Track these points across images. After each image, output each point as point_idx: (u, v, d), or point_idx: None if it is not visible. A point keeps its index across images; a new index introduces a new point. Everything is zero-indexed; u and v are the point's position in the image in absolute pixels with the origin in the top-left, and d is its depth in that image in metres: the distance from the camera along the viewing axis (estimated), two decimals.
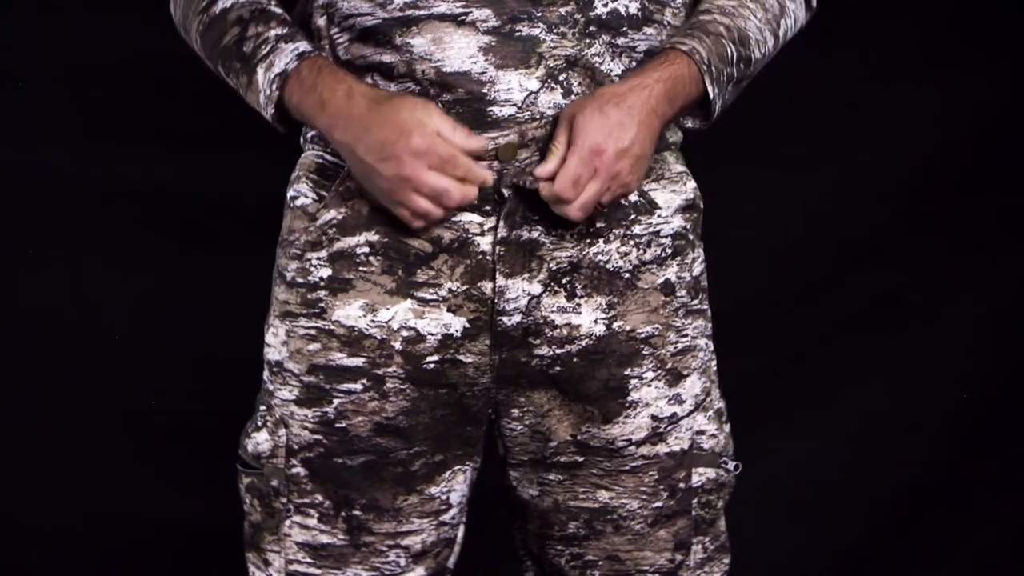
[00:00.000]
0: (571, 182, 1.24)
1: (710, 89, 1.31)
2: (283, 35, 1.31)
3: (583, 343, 1.33)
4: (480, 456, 1.42)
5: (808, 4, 1.45)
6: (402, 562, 1.39)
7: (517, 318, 1.32)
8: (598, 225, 1.32)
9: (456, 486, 1.40)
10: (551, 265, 1.32)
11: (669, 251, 1.36)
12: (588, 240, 1.32)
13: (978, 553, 2.40)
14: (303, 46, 1.30)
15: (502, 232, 1.29)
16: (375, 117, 1.24)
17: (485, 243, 1.30)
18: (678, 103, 1.30)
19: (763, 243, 2.28)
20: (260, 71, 1.30)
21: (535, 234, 1.31)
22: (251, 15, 1.33)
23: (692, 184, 1.40)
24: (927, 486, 2.40)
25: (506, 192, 1.29)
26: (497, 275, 1.30)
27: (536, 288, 1.31)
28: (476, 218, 1.30)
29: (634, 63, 1.31)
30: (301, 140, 1.41)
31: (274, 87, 1.29)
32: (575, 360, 1.34)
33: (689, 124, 1.39)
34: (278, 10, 1.35)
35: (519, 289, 1.31)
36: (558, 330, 1.33)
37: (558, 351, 1.33)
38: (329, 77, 1.28)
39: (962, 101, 2.29)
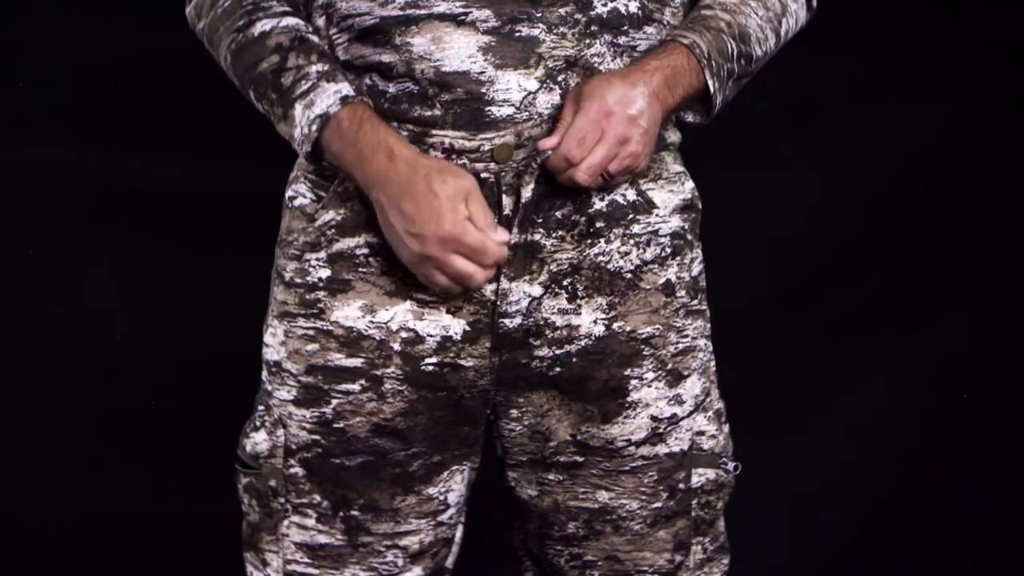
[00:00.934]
0: (577, 141, 1.24)
1: (710, 83, 1.31)
2: (324, 72, 1.28)
3: (582, 343, 1.33)
4: (479, 456, 1.42)
5: (809, 4, 1.45)
6: (399, 562, 1.39)
7: (518, 320, 1.32)
8: (598, 225, 1.32)
9: (454, 486, 1.40)
10: (552, 267, 1.31)
11: (668, 251, 1.36)
12: (589, 241, 1.32)
13: (978, 553, 2.39)
14: (345, 88, 1.27)
15: (513, 237, 1.29)
16: (411, 189, 1.22)
17: None
18: (678, 92, 1.30)
19: (762, 243, 2.28)
20: (299, 107, 1.27)
21: (536, 236, 1.31)
22: (291, 43, 1.29)
23: (690, 184, 1.40)
24: (927, 486, 2.40)
25: (525, 196, 1.28)
26: (502, 278, 1.30)
27: (536, 290, 1.31)
28: None
29: (634, 63, 1.31)
30: None
31: (313, 128, 1.26)
32: (575, 360, 1.33)
33: (690, 119, 1.38)
34: (317, 39, 1.32)
35: (520, 291, 1.31)
36: (558, 331, 1.33)
37: (557, 352, 1.33)
38: (371, 133, 1.25)
39: (962, 101, 2.29)
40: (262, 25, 1.31)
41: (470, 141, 1.26)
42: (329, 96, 1.26)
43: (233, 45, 1.32)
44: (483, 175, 1.28)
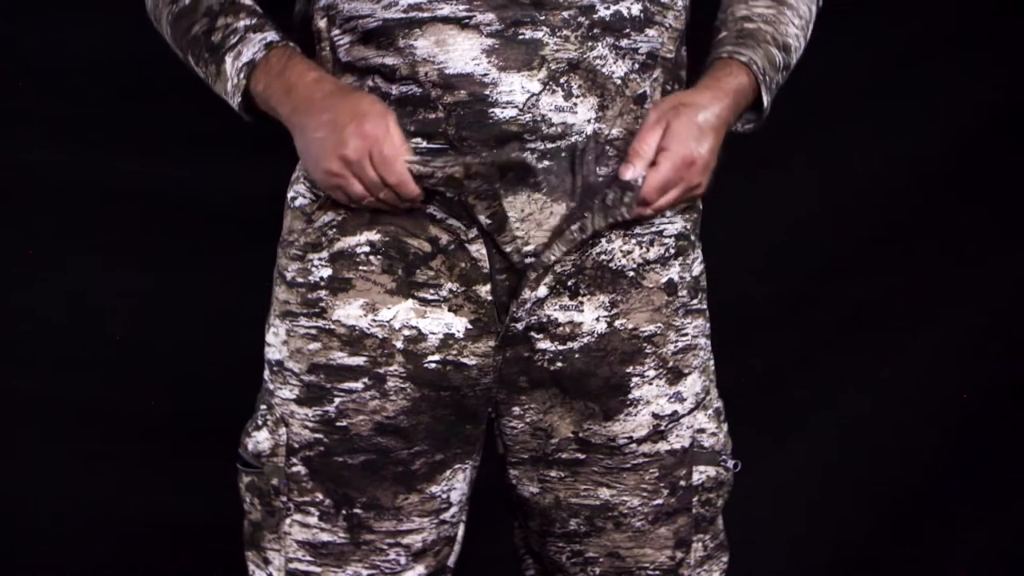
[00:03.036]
0: (659, 188, 1.28)
1: (765, 98, 1.35)
2: (252, 25, 1.33)
3: (584, 340, 1.34)
4: (479, 454, 1.43)
5: (819, 7, 1.47)
6: (402, 560, 1.39)
7: (523, 322, 1.33)
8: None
9: (456, 485, 1.40)
10: (556, 269, 1.32)
11: (672, 251, 1.37)
12: (590, 242, 1.33)
13: (978, 553, 2.40)
14: (271, 35, 1.32)
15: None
16: (333, 100, 1.26)
17: (474, 249, 1.31)
18: (739, 113, 1.35)
19: (762, 243, 2.28)
20: (228, 60, 1.32)
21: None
22: (220, 6, 1.34)
23: None
24: (926, 486, 2.40)
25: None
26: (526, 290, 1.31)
27: (542, 291, 1.32)
28: (462, 225, 1.30)
29: (637, 65, 1.32)
30: None
31: (241, 76, 1.31)
32: (577, 356, 1.34)
33: (738, 128, 1.40)
34: (247, 1, 1.36)
35: (531, 295, 1.32)
36: (560, 328, 1.33)
37: (560, 348, 1.34)
38: (300, 64, 1.30)
39: (962, 101, 2.30)
40: None
41: (424, 167, 1.26)
42: (255, 44, 1.31)
43: (170, 16, 1.37)
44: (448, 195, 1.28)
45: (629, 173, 1.28)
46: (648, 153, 1.28)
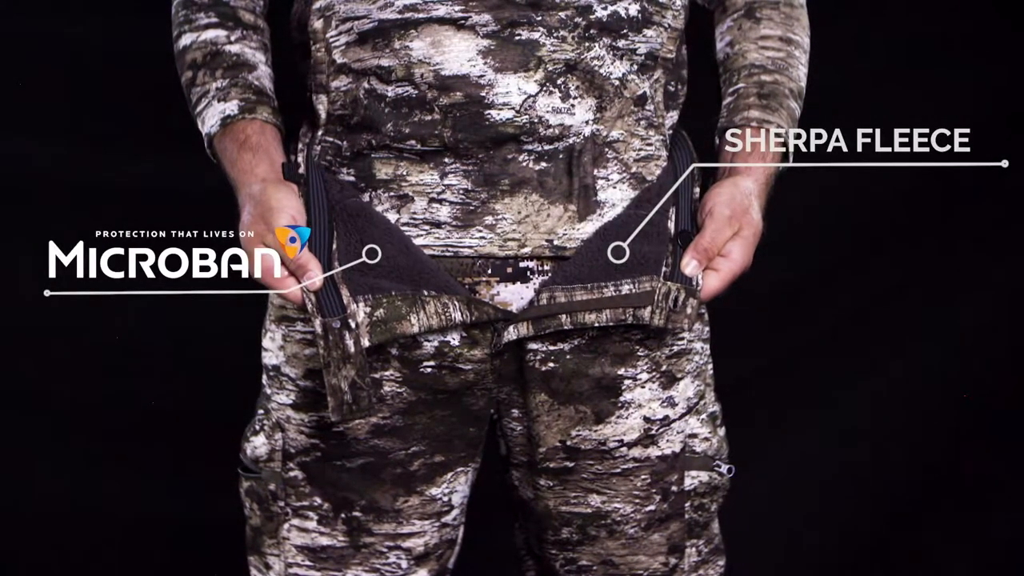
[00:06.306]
0: (725, 286, 1.32)
1: (785, 160, 1.39)
2: (221, 90, 1.35)
3: (575, 341, 1.33)
4: (480, 456, 1.42)
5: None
6: (403, 564, 1.39)
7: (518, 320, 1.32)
8: None
9: (458, 487, 1.40)
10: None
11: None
12: None
13: (978, 553, 2.40)
14: (231, 107, 1.33)
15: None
16: (262, 196, 1.30)
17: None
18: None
19: (761, 242, 2.27)
20: (199, 123, 1.37)
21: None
22: (203, 60, 1.37)
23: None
24: (927, 487, 2.40)
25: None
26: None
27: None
28: None
29: (636, 66, 1.31)
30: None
31: (206, 143, 1.36)
32: (568, 357, 1.33)
33: None
34: (233, 48, 1.37)
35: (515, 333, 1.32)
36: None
37: (551, 348, 1.33)
38: (249, 159, 1.32)
39: (962, 101, 2.29)
40: (185, 40, 1.39)
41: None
42: (215, 116, 1.34)
43: (174, 51, 1.41)
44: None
45: (691, 269, 1.30)
46: (715, 252, 1.31)
